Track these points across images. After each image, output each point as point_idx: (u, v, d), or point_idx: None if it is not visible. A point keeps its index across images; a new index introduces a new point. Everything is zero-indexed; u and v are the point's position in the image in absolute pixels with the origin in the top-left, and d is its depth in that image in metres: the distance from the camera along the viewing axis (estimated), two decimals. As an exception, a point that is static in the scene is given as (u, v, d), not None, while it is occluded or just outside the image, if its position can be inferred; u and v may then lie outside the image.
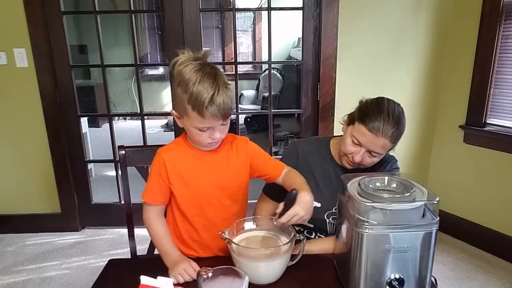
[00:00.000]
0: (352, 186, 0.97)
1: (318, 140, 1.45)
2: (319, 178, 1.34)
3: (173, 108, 1.14)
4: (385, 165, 1.31)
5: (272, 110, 2.69)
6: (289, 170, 1.25)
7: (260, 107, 5.53)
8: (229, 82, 1.09)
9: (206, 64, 1.06)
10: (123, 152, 1.45)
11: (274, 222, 1.12)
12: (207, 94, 1.00)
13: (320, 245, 1.24)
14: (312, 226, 1.34)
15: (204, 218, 1.21)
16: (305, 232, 1.38)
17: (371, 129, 1.16)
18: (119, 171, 2.06)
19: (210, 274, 0.92)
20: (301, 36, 2.57)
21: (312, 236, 1.37)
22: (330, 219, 1.32)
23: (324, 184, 1.33)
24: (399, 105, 1.23)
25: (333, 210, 1.30)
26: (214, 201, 1.19)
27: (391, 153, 1.36)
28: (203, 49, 1.11)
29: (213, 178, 1.17)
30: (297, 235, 1.07)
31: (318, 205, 1.30)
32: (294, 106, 3.37)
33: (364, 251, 0.90)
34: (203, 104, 1.01)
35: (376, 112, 1.17)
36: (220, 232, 1.03)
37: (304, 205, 1.06)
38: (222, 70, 1.09)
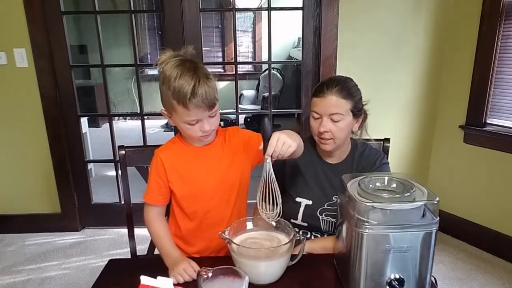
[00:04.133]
0: (352, 186, 0.97)
1: (304, 139, 1.45)
2: (308, 176, 1.35)
3: (163, 107, 1.15)
4: (374, 160, 1.31)
5: (272, 110, 2.69)
6: None
7: (260, 107, 5.52)
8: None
9: (186, 59, 1.09)
10: (123, 152, 1.46)
11: (266, 157, 1.01)
12: (189, 86, 1.03)
13: (322, 243, 1.25)
14: (306, 224, 1.34)
15: (204, 214, 1.21)
16: (300, 232, 1.38)
17: (319, 95, 1.26)
18: (119, 171, 2.06)
19: (210, 274, 0.92)
20: (301, 36, 2.56)
21: (308, 236, 1.37)
22: (323, 215, 1.32)
23: (313, 181, 1.34)
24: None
25: (325, 206, 1.31)
26: (214, 196, 1.20)
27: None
28: (185, 46, 1.12)
29: (210, 172, 1.18)
30: (297, 235, 1.07)
31: (310, 202, 1.30)
32: (294, 106, 3.36)
33: (364, 251, 0.90)
34: (186, 96, 1.03)
35: (321, 83, 1.30)
36: (220, 232, 1.03)
37: (282, 131, 1.02)
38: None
